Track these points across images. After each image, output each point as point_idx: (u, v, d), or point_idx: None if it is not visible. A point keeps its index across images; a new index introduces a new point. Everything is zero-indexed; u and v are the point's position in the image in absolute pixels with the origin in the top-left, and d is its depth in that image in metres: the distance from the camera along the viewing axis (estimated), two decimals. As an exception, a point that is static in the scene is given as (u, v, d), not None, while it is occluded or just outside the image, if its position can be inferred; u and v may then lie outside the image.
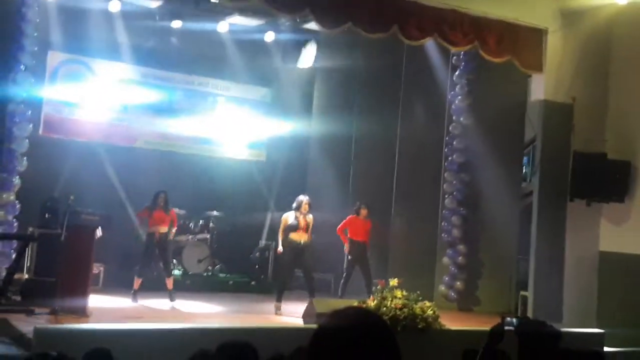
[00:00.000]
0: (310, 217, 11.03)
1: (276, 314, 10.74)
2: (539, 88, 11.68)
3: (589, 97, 11.60)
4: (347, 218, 11.85)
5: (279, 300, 10.91)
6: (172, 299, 11.03)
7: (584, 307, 11.21)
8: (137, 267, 11.30)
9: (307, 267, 11.24)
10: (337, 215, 12.47)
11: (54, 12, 12.44)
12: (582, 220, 11.45)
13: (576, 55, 11.62)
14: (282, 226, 11.05)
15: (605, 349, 9.73)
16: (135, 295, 10.93)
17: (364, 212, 11.77)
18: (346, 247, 11.75)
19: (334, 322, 2.21)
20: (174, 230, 11.61)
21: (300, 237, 10.92)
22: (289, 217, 11.00)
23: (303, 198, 11.09)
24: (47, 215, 11.62)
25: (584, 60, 11.65)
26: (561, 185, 11.39)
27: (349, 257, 11.76)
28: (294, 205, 11.04)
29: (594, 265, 11.40)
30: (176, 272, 13.18)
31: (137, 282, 11.02)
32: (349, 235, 11.75)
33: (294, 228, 10.91)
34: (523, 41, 11.37)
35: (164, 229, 11.24)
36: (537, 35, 11.51)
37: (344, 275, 11.75)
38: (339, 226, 11.75)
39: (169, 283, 11.17)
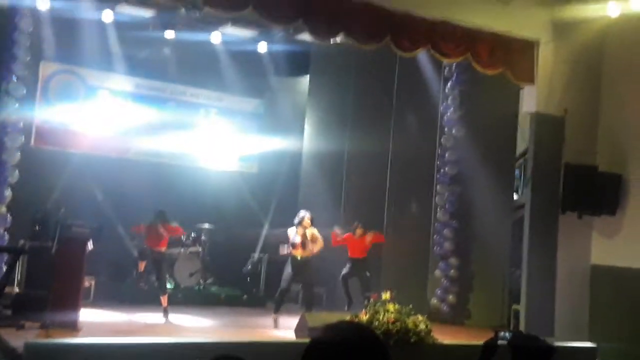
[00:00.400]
0: (310, 231, 10.93)
1: (274, 327, 10.67)
2: (531, 100, 11.70)
3: (581, 110, 11.63)
4: (346, 235, 11.97)
5: (276, 312, 10.86)
6: (165, 316, 10.86)
7: (576, 320, 11.20)
8: (159, 285, 11.24)
9: (306, 282, 11.25)
10: (329, 228, 12.46)
11: (47, 22, 12.38)
12: (574, 233, 11.45)
13: (568, 68, 11.65)
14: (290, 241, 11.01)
15: (598, 362, 9.73)
16: (166, 312, 10.87)
17: (359, 231, 11.91)
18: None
19: (327, 336, 2.20)
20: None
21: (298, 253, 10.89)
22: (291, 233, 10.96)
23: (304, 214, 11.02)
24: (37, 228, 11.56)
25: (576, 73, 11.68)
26: (553, 197, 11.41)
27: (346, 272, 11.82)
28: (296, 220, 10.99)
29: (586, 278, 11.40)
30: (168, 285, 13.11)
31: (164, 299, 10.95)
32: (349, 254, 11.88)
33: (294, 244, 10.88)
34: (515, 53, 11.40)
35: (160, 248, 11.12)
36: (529, 47, 11.54)
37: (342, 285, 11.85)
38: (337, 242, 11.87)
39: (163, 300, 11.01)
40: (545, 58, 11.55)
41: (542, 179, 11.56)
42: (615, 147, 11.64)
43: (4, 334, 8.36)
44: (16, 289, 10.73)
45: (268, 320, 10.91)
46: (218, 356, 4.33)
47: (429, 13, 10.76)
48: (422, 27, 10.78)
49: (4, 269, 9.97)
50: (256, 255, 14.16)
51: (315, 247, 11.00)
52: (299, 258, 10.89)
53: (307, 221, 10.90)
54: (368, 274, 11.90)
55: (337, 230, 12.06)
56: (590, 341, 10.60)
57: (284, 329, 10.42)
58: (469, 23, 11.00)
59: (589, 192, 11.22)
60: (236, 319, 11.61)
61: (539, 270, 11.31)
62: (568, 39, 11.61)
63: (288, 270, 10.97)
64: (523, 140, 12.66)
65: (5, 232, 10.82)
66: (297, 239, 10.84)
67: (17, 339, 8.02)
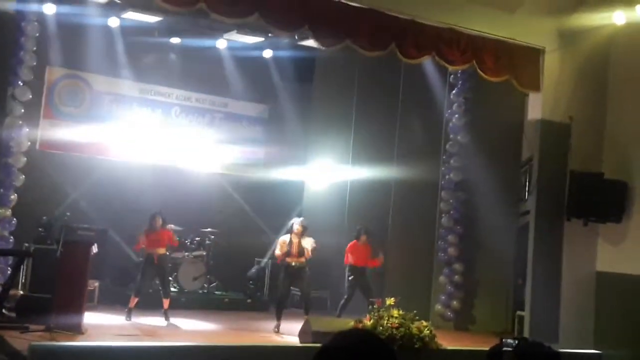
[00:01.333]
0: (306, 241, 10.92)
1: (274, 332, 10.68)
2: (537, 107, 11.71)
3: (587, 117, 11.63)
4: (349, 245, 11.86)
5: (278, 319, 10.87)
6: (166, 319, 10.90)
7: (580, 327, 11.17)
8: (134, 286, 11.20)
9: (303, 288, 11.33)
10: (332, 233, 12.47)
11: (53, 27, 12.44)
12: (579, 240, 11.43)
13: (574, 75, 11.66)
14: (279, 248, 10.99)
15: (603, 370, 9.70)
16: (129, 313, 10.84)
17: (363, 237, 11.79)
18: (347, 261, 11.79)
19: (337, 343, 2.20)
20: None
21: (292, 260, 10.90)
22: (285, 241, 10.97)
23: (296, 220, 11.08)
24: (42, 231, 11.59)
25: (582, 80, 11.68)
26: (558, 204, 11.40)
27: (351, 280, 11.76)
28: (288, 228, 11.02)
29: (591, 285, 11.37)
30: (172, 289, 13.13)
31: (133, 301, 10.91)
32: (351, 261, 11.78)
33: (287, 252, 10.89)
34: (520, 60, 11.41)
35: (162, 250, 11.10)
36: (534, 55, 11.55)
37: (345, 297, 11.74)
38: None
39: (165, 303, 11.03)
40: (551, 66, 11.56)
41: (548, 185, 11.56)
42: (621, 155, 11.62)
43: (8, 337, 8.39)
44: (21, 292, 10.76)
45: (272, 324, 10.91)
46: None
47: (434, 20, 10.78)
48: (428, 34, 10.80)
49: (9, 271, 9.97)
50: (264, 260, 14.13)
51: (307, 253, 10.96)
52: (293, 264, 10.90)
53: (298, 228, 10.90)
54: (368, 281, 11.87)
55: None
56: (596, 348, 10.58)
57: (288, 333, 10.42)
58: (475, 31, 11.01)
59: (595, 199, 11.20)
60: (240, 323, 11.61)
61: (544, 277, 11.29)
62: (574, 47, 11.62)
63: (282, 277, 11.05)
64: (528, 147, 12.65)
65: (11, 236, 10.84)
66: (290, 247, 10.85)
67: (22, 342, 8.05)
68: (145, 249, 11.11)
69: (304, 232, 10.94)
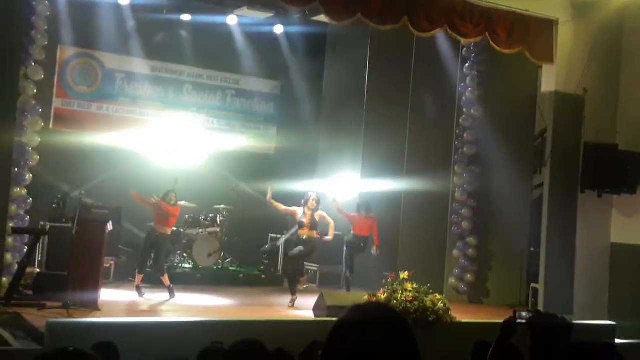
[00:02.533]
0: (318, 214, 10.99)
1: (289, 307, 10.72)
2: (550, 79, 11.63)
3: (600, 89, 11.55)
4: (352, 215, 12.24)
5: (293, 293, 10.92)
6: (171, 295, 10.86)
7: (595, 299, 11.18)
8: (137, 263, 11.25)
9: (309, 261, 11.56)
10: (346, 208, 12.48)
11: (64, 6, 12.45)
12: (593, 211, 11.40)
13: (587, 47, 11.56)
14: (290, 210, 11.07)
15: (617, 341, 9.69)
16: (139, 290, 10.90)
17: (363, 213, 12.17)
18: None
19: (354, 316, 2.20)
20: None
21: (304, 233, 10.94)
22: (298, 212, 11.00)
23: (310, 194, 11.07)
24: (58, 209, 11.67)
25: (595, 52, 11.58)
26: (572, 176, 11.36)
27: (347, 249, 12.12)
28: (302, 201, 11.04)
29: (605, 257, 11.36)
30: (186, 265, 13.22)
31: (138, 278, 10.96)
32: (353, 231, 12.14)
33: (300, 225, 10.92)
34: (534, 32, 11.32)
35: (165, 229, 11.09)
36: (548, 26, 11.45)
37: (347, 271, 12.05)
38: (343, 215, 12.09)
39: (165, 280, 10.96)
40: (565, 37, 11.46)
41: (562, 158, 11.51)
42: (635, 126, 11.55)
43: (26, 314, 8.49)
44: (37, 270, 10.86)
45: (287, 299, 10.96)
46: (239, 341, 4.38)
47: (446, -8, 10.69)
48: (440, 7, 10.72)
49: (25, 250, 10.06)
50: (278, 236, 14.16)
51: (330, 231, 11.23)
52: (304, 238, 10.94)
53: (312, 202, 10.92)
54: (374, 250, 12.09)
55: (337, 200, 12.08)
56: (610, 320, 10.58)
57: (302, 308, 10.48)
58: (487, 2, 10.92)
59: (609, 170, 11.16)
60: (254, 299, 11.67)
61: (558, 249, 11.28)
62: (587, 18, 11.52)
63: (295, 249, 11.09)
64: (542, 120, 12.58)
65: (26, 214, 10.92)
66: (304, 219, 10.88)
67: (39, 319, 8.14)
68: (154, 224, 11.17)
69: (318, 206, 10.98)
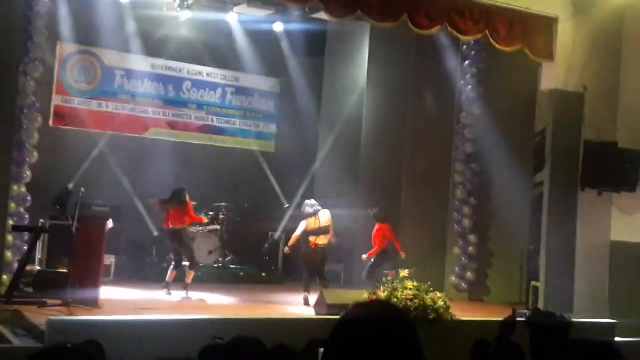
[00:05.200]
0: (323, 213, 10.98)
1: (304, 304, 10.66)
2: (550, 77, 11.61)
3: (600, 86, 11.54)
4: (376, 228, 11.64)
5: (307, 291, 10.85)
6: (186, 292, 10.93)
7: (595, 297, 11.18)
8: (172, 260, 11.31)
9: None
10: (345, 207, 12.46)
11: (63, 3, 12.43)
12: (593, 210, 11.40)
13: (587, 44, 11.55)
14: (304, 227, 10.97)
15: (617, 339, 9.69)
16: (167, 286, 10.92)
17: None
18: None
19: (357, 314, 2.20)
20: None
21: (317, 240, 10.95)
22: (309, 224, 10.95)
23: (312, 205, 11.01)
24: (58, 207, 11.67)
25: (595, 49, 11.58)
26: (572, 174, 11.35)
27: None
28: (311, 211, 10.95)
29: (606, 255, 11.36)
30: (187, 263, 13.20)
31: (171, 275, 11.01)
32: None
33: (313, 232, 10.93)
34: (534, 30, 11.31)
35: (179, 225, 11.18)
36: (547, 24, 11.44)
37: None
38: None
39: (189, 276, 11.07)
40: (565, 35, 11.45)
41: (562, 156, 11.50)
42: (635, 124, 11.55)
43: (26, 312, 8.49)
44: (37, 267, 10.86)
45: (287, 297, 11.00)
46: (236, 337, 4.38)
47: (446, -10, 10.68)
48: (440, 4, 10.71)
49: (26, 247, 10.06)
50: (277, 234, 14.17)
51: (332, 238, 11.10)
52: (318, 244, 10.96)
53: (316, 213, 10.92)
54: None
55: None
56: (610, 318, 10.58)
57: (302, 305, 10.50)
58: (487, 0, 10.91)
59: (609, 168, 11.15)
60: (255, 296, 11.67)
61: (559, 247, 11.28)
62: (587, 16, 11.50)
63: (311, 256, 11.07)
64: (542, 118, 12.57)
65: (26, 212, 10.91)
66: (314, 227, 10.90)
67: (40, 317, 8.14)
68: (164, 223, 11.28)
69: (319, 210, 10.99)
